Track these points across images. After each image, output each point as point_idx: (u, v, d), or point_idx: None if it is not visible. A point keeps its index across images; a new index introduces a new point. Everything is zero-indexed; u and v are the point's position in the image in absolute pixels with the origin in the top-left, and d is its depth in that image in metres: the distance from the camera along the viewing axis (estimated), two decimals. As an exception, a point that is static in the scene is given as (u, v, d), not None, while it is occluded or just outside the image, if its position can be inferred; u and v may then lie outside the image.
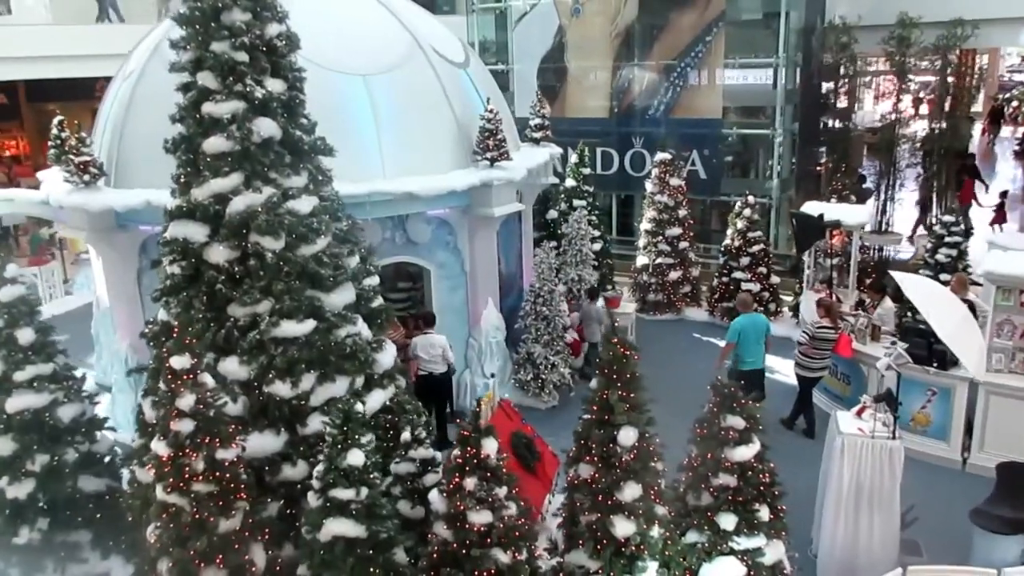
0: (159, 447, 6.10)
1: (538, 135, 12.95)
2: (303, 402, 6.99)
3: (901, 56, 17.75)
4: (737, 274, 14.23)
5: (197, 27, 6.88)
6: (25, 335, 7.57)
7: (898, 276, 6.92)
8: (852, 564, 7.17)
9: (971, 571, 6.04)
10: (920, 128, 19.31)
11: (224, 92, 6.85)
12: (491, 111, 10.35)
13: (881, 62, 19.04)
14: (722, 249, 14.61)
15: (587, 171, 15.18)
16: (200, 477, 6.04)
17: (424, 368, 9.88)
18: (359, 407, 6.08)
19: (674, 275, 14.72)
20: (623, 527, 5.84)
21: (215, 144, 6.88)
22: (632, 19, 18.47)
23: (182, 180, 7.15)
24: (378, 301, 8.09)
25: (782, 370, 11.80)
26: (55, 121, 11.41)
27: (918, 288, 6.95)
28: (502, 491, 5.66)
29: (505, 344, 11.47)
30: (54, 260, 17.18)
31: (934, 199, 18.48)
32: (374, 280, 8.11)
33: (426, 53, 10.71)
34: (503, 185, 10.43)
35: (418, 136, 10.32)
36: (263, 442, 6.92)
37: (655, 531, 5.99)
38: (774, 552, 6.32)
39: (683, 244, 14.81)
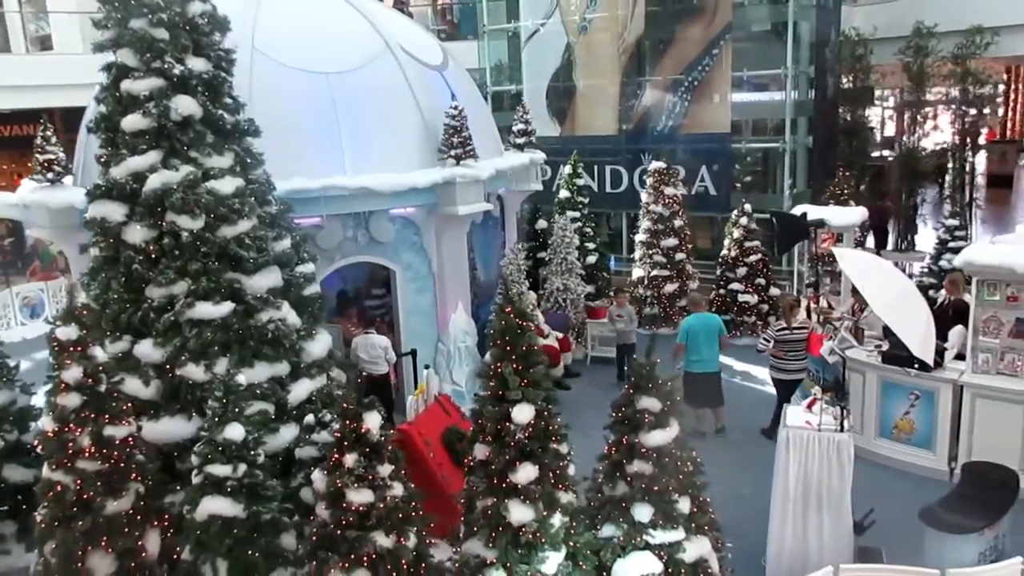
0: (45, 422, 5.91)
1: (521, 140, 12.71)
2: (218, 386, 6.72)
3: (918, 67, 17.18)
4: (734, 285, 13.67)
5: (117, 4, 6.86)
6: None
7: (837, 251, 6.40)
8: (802, 568, 6.55)
9: (908, 570, 5.42)
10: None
11: (143, 69, 6.81)
12: (455, 107, 10.14)
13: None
14: (719, 260, 14.08)
15: (581, 182, 14.84)
16: (86, 454, 5.83)
17: (365, 369, 9.60)
18: (240, 378, 5.80)
19: (670, 287, 14.21)
20: (519, 512, 5.40)
21: (133, 122, 6.81)
22: (639, 34, 18.22)
23: (103, 160, 7.09)
24: (312, 289, 7.86)
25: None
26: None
27: (856, 262, 6.41)
28: (385, 470, 5.30)
29: (477, 350, 11.11)
30: (62, 276, 17.45)
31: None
32: (308, 268, 7.89)
33: (395, 53, 10.61)
34: (468, 183, 10.17)
35: (382, 135, 10.16)
36: (173, 426, 6.69)
37: (556, 519, 5.54)
38: (696, 548, 5.79)
39: (679, 255, 14.31)
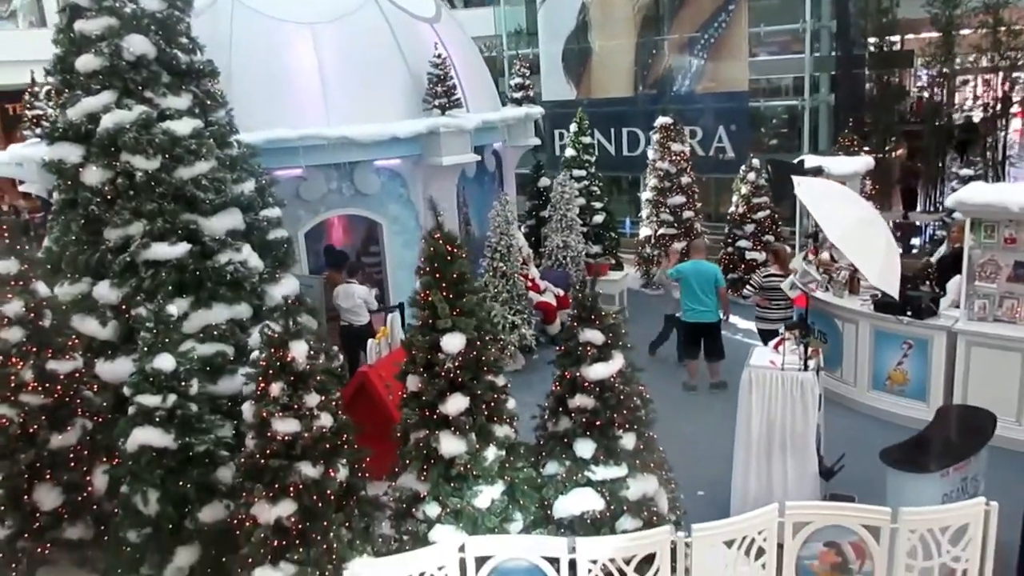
0: (-11, 357, 5.94)
1: (519, 95, 12.46)
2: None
3: (947, 20, 16.38)
4: (741, 243, 13.26)
5: (69, -57, 6.83)
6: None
7: (795, 179, 6.05)
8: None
9: (857, 507, 5.14)
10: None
11: (95, 9, 6.77)
12: (439, 56, 9.96)
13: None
14: (727, 216, 13.67)
15: (587, 140, 14.51)
16: (29, 388, 5.85)
17: (344, 318, 9.54)
18: (172, 309, 5.73)
19: (677, 246, 13.80)
20: (449, 445, 5.27)
21: (86, 62, 6.79)
22: (654, -10, 17.77)
23: (60, 102, 7.09)
24: (279, 233, 7.79)
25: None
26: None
27: (812, 188, 6.04)
28: (312, 400, 5.18)
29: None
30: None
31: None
32: (274, 212, 7.82)
33: (380, 4, 10.45)
34: (453, 134, 10.00)
35: (367, 87, 10.05)
36: (128, 366, 6.65)
37: (491, 452, 5.38)
38: (641, 486, 5.58)
39: (687, 214, 13.92)
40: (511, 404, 5.66)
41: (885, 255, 5.55)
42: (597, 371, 5.48)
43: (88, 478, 6.08)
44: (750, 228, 13.22)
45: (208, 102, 7.36)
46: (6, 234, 5.90)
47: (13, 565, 6.00)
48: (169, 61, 6.99)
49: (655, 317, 12.87)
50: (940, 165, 17.53)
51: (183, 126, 6.88)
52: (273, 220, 7.74)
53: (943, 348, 8.09)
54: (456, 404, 5.24)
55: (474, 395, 5.31)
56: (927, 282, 9.10)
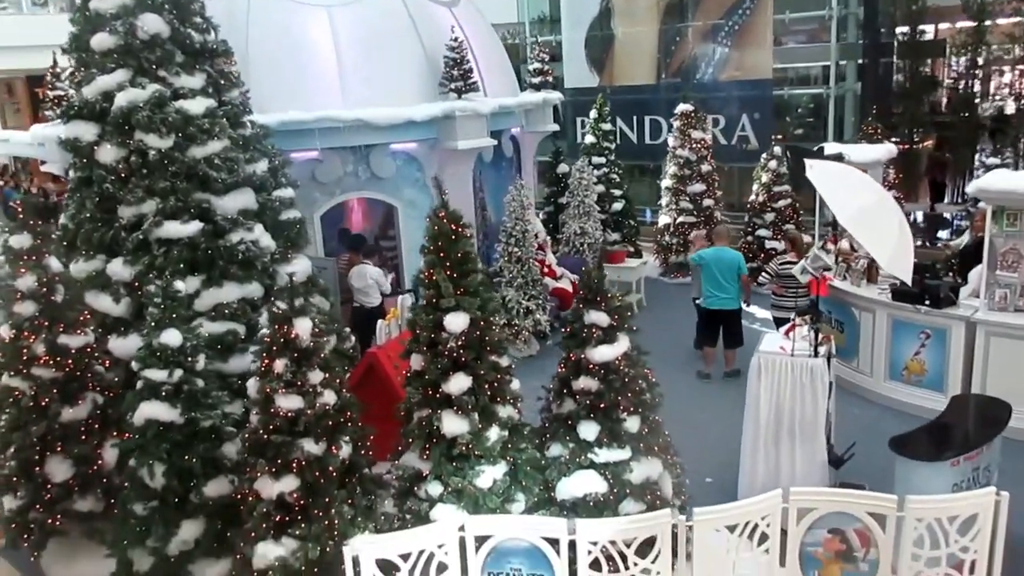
0: (3, 331, 6.04)
1: (537, 80, 12.39)
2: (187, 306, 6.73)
3: (979, 7, 16.03)
4: (761, 232, 13.11)
5: (84, -78, 6.88)
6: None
7: (807, 161, 5.92)
8: (773, 502, 6.22)
9: (862, 494, 5.06)
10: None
11: (109, -14, 6.82)
12: (455, 39, 9.92)
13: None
14: (746, 205, 13.52)
15: (607, 127, 14.40)
16: (40, 361, 5.93)
17: (356, 299, 9.57)
18: (179, 285, 5.78)
19: (701, 234, 13.65)
20: (452, 424, 5.25)
21: (100, 40, 6.86)
22: (678, -23, 17.57)
23: (76, 80, 7.17)
24: (291, 214, 7.81)
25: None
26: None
27: (824, 171, 5.90)
28: (316, 376, 5.20)
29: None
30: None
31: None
32: (287, 192, 7.85)
33: (398, -13, 10.43)
34: (469, 117, 9.97)
35: (382, 69, 10.05)
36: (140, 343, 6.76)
37: (493, 432, 5.36)
38: (645, 469, 5.54)
39: (707, 202, 13.78)
40: (515, 385, 5.63)
41: (897, 239, 5.44)
42: (602, 353, 5.44)
43: (98, 452, 6.17)
44: (770, 217, 13.06)
45: (222, 82, 7.38)
46: (20, 211, 5.97)
47: (25, 536, 6.11)
48: (183, 40, 7.02)
49: (673, 305, 12.81)
50: (970, 156, 17.21)
51: (196, 105, 6.92)
52: (286, 200, 7.76)
53: (962, 338, 7.94)
54: (458, 383, 5.22)
55: (477, 375, 5.29)
56: (949, 272, 8.96)
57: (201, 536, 5.59)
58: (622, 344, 5.51)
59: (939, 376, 8.18)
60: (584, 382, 5.49)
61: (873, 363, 8.72)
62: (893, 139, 13.54)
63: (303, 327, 5.20)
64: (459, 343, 5.23)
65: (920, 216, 17.15)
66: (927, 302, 8.00)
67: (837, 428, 7.31)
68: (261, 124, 7.75)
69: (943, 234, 16.49)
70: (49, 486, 5.99)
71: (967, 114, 16.60)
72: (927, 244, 14.45)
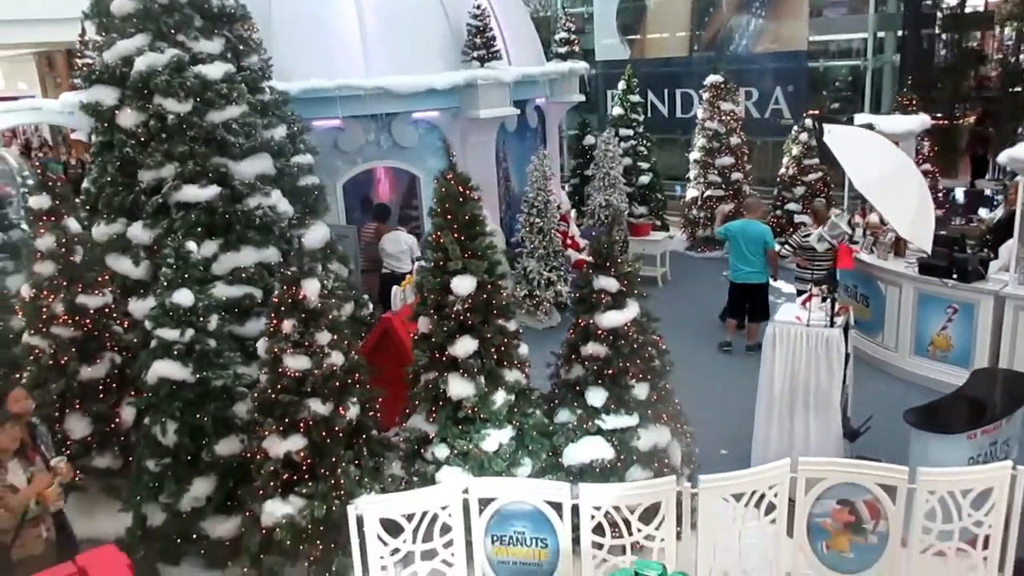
0: (24, 290, 6.15)
1: (563, 50, 12.24)
2: (205, 268, 6.81)
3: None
4: (791, 206, 12.88)
5: None
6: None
7: (827, 126, 5.76)
8: (786, 474, 6.13)
9: (873, 465, 4.97)
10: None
11: (130, -48, 6.85)
12: (478, 7, 9.83)
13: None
14: (776, 179, 13.28)
15: (635, 98, 14.21)
16: (60, 320, 6.04)
17: (387, 265, 9.61)
18: (191, 246, 5.84)
19: (725, 208, 13.50)
20: (457, 387, 5.26)
21: (121, 5, 6.90)
22: (712, -55, 17.21)
23: (97, 45, 7.24)
24: (310, 180, 7.84)
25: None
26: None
27: (844, 137, 5.72)
28: (324, 337, 5.23)
29: (506, 261, 10.94)
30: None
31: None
32: (306, 158, 7.87)
33: (421, -45, 10.34)
34: (491, 86, 9.90)
35: (406, 37, 10.00)
36: (159, 304, 6.86)
37: (500, 396, 5.36)
38: (652, 436, 5.50)
39: (736, 175, 13.56)
40: (523, 350, 5.62)
41: (917, 206, 5.29)
42: (611, 319, 5.40)
43: (116, 410, 6.29)
44: (800, 191, 12.81)
45: (241, 47, 7.40)
46: (39, 172, 6.07)
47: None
48: (201, 5, 7.04)
49: (700, 279, 12.68)
50: (1013, 131, 16.69)
51: (215, 70, 6.94)
52: (304, 167, 7.79)
53: (990, 313, 7.72)
54: (464, 346, 5.23)
55: (483, 338, 5.29)
56: (984, 247, 8.73)
57: (212, 493, 5.68)
58: (631, 310, 5.46)
59: (965, 352, 7.98)
60: (592, 348, 5.46)
61: (898, 338, 8.55)
62: (938, 116, 13.14)
63: (311, 288, 5.22)
64: (465, 306, 5.22)
65: (961, 193, 16.73)
66: (955, 275, 7.80)
67: (859, 403, 7.20)
68: (280, 90, 7.75)
69: (983, 211, 16.09)
70: (68, 443, 6.11)
71: (1017, 88, 16.09)
72: (968, 220, 14.10)
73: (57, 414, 6.10)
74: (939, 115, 15.80)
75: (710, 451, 7.08)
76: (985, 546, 5.02)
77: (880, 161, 5.44)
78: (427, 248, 5.45)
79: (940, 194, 12.71)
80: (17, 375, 6.22)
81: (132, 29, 6.88)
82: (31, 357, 6.14)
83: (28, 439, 5.06)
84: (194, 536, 5.72)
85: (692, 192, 13.97)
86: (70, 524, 5.45)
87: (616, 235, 11.88)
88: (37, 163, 6.75)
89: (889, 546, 5.06)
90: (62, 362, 6.05)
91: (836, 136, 5.69)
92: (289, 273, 5.23)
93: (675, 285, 12.57)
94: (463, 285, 5.20)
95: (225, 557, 5.72)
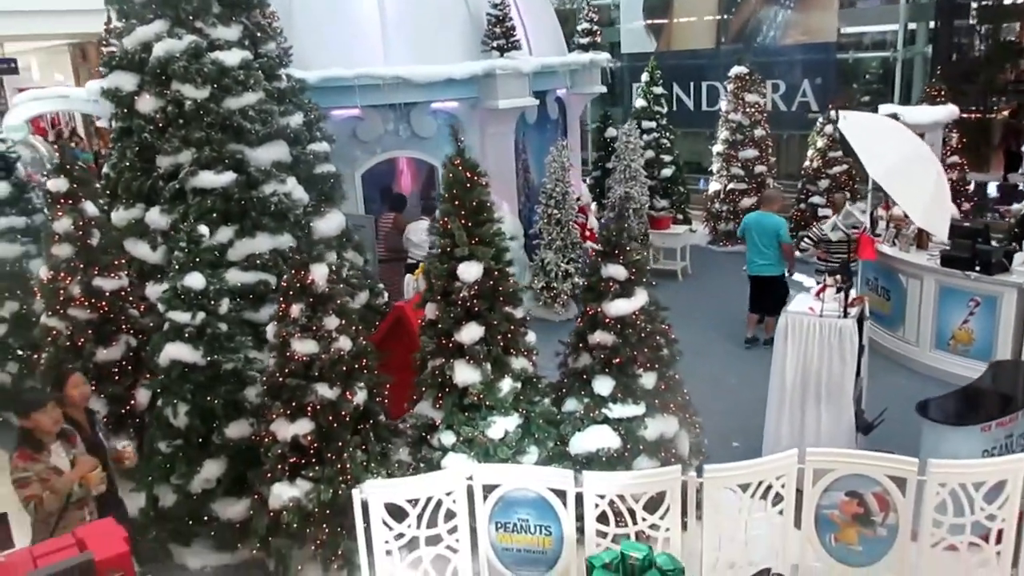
0: (42, 271, 6.26)
1: (585, 41, 12.17)
2: (220, 254, 6.87)
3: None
4: (815, 199, 12.71)
5: None
6: (1, 188, 8.09)
7: (841, 113, 5.65)
8: (798, 466, 6.06)
9: (882, 456, 4.88)
10: None
11: (148, -62, 6.93)
12: (499, -2, 9.81)
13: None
14: (801, 172, 13.10)
15: (659, 90, 14.09)
16: (76, 302, 6.14)
17: (412, 254, 9.64)
18: (203, 229, 5.89)
19: (747, 202, 13.34)
20: (463, 373, 5.27)
21: (140, -9, 6.99)
22: (740, -64, 17.02)
23: (117, 32, 7.34)
24: (326, 167, 7.88)
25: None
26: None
27: (859, 123, 5.60)
28: (332, 322, 5.26)
29: (525, 253, 10.95)
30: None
31: None
32: (322, 146, 7.91)
33: (442, -56, 10.33)
34: (510, 75, 9.87)
35: (427, 28, 10.00)
36: (174, 289, 6.94)
37: (506, 384, 5.35)
38: (659, 426, 5.46)
39: (759, 168, 13.40)
40: (531, 338, 5.61)
41: (933, 193, 5.18)
42: (618, 307, 5.37)
43: (131, 392, 6.38)
44: (824, 184, 12.64)
45: (258, 34, 7.45)
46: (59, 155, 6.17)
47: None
48: (219, -9, 7.10)
49: (722, 273, 12.55)
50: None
51: (232, 57, 6.98)
52: (320, 154, 7.83)
53: (1013, 305, 7.56)
54: (470, 333, 5.23)
55: (490, 325, 5.29)
56: (1012, 241, 8.55)
57: (222, 476, 5.74)
58: (639, 298, 5.42)
59: (987, 345, 7.83)
60: (600, 336, 5.43)
61: (919, 332, 8.41)
62: (973, 109, 12.85)
63: (319, 273, 5.25)
64: (471, 292, 5.22)
65: (993, 186, 16.40)
66: (978, 267, 7.65)
67: (876, 398, 7.09)
68: (298, 78, 7.79)
69: (1016, 205, 15.77)
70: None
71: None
72: (999, 213, 13.82)
73: (73, 395, 6.19)
74: (972, 108, 15.50)
75: (723, 443, 7.04)
76: (998, 541, 4.93)
77: (895, 148, 5.34)
78: (433, 234, 5.45)
79: (969, 187, 12.46)
80: (37, 356, 6.34)
81: (151, 16, 6.96)
82: (49, 338, 6.24)
83: (86, 424, 5.11)
84: (205, 518, 5.79)
85: (715, 185, 13.84)
86: (125, 505, 5.48)
87: (628, 223, 11.88)
88: (56, 146, 6.81)
89: (899, 539, 4.97)
90: (79, 344, 6.15)
91: (850, 123, 5.59)
92: (297, 257, 5.26)
93: (695, 279, 12.47)
94: (470, 271, 5.20)
95: (235, 539, 5.79)
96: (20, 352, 8.03)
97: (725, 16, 17.57)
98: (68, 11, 19.36)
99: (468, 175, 5.21)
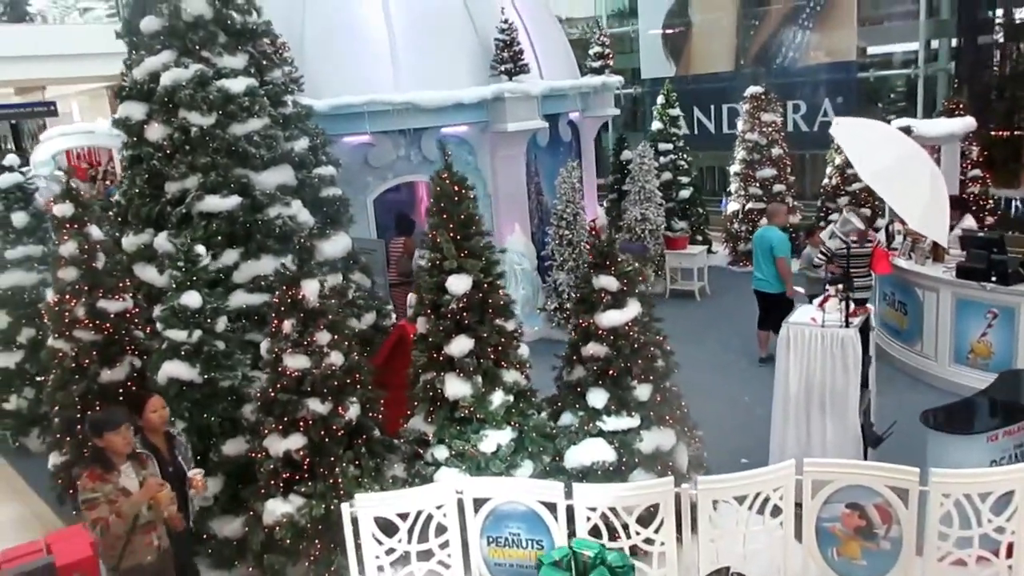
0: (49, 295, 6.39)
1: (597, 64, 12.23)
2: (225, 276, 6.96)
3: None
4: (834, 216, 12.51)
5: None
6: (19, 218, 8.31)
7: (835, 119, 5.54)
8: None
9: (883, 466, 4.72)
10: None
11: (158, -26, 7.15)
12: (505, 21, 9.92)
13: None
14: (820, 190, 12.94)
15: (674, 112, 14.09)
16: (81, 324, 6.24)
17: None
18: (200, 249, 5.98)
19: (766, 222, 13.17)
20: (454, 387, 5.24)
21: (149, 23, 7.19)
22: (757, -42, 17.06)
23: (127, 63, 7.56)
24: (332, 191, 7.97)
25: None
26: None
27: (852, 128, 5.49)
28: (323, 337, 5.28)
29: (538, 274, 10.93)
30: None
31: None
32: (328, 170, 8.01)
33: (450, -29, 10.51)
34: (519, 99, 9.94)
35: (436, 54, 10.12)
36: (179, 312, 7.04)
37: (497, 397, 5.31)
38: (655, 438, 5.37)
39: (778, 187, 13.27)
40: (523, 351, 5.57)
41: (929, 196, 5.06)
42: (610, 318, 5.32)
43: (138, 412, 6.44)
44: (843, 201, 12.46)
45: (264, 62, 7.61)
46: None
47: (70, 491, 6.44)
48: (225, 21, 7.26)
49: (741, 294, 12.36)
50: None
51: (237, 84, 7.14)
52: (326, 178, 7.92)
53: (1032, 318, 7.36)
54: (460, 345, 5.21)
55: (480, 338, 5.26)
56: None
57: (219, 493, 5.75)
58: (631, 309, 5.37)
59: (1007, 358, 7.59)
60: (593, 348, 5.38)
61: (937, 346, 8.19)
62: (997, 124, 12.62)
63: (310, 288, 5.29)
64: (460, 305, 5.21)
65: (1020, 201, 16.05)
66: (994, 279, 7.46)
67: (894, 414, 6.87)
68: (303, 104, 7.93)
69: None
70: (89, 444, 6.27)
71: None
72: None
73: (78, 415, 6.28)
74: (999, 125, 15.21)
75: (731, 459, 6.88)
76: (1009, 554, 4.74)
77: (886, 151, 5.23)
78: (423, 247, 5.46)
79: (990, 201, 12.21)
80: (45, 379, 6.45)
81: (159, 46, 7.15)
82: (55, 360, 6.36)
83: (164, 449, 4.96)
84: (203, 535, 5.80)
85: (733, 205, 13.73)
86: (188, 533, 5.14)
87: (654, 249, 11.79)
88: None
89: (903, 553, 4.81)
90: (84, 364, 6.24)
91: (842, 127, 5.51)
92: (288, 273, 5.31)
93: (713, 299, 12.34)
94: (458, 284, 5.20)
95: (232, 556, 5.78)
96: (37, 377, 8.17)
97: (744, 39, 17.53)
98: (106, 54, 19.99)
99: (456, 188, 5.23)
